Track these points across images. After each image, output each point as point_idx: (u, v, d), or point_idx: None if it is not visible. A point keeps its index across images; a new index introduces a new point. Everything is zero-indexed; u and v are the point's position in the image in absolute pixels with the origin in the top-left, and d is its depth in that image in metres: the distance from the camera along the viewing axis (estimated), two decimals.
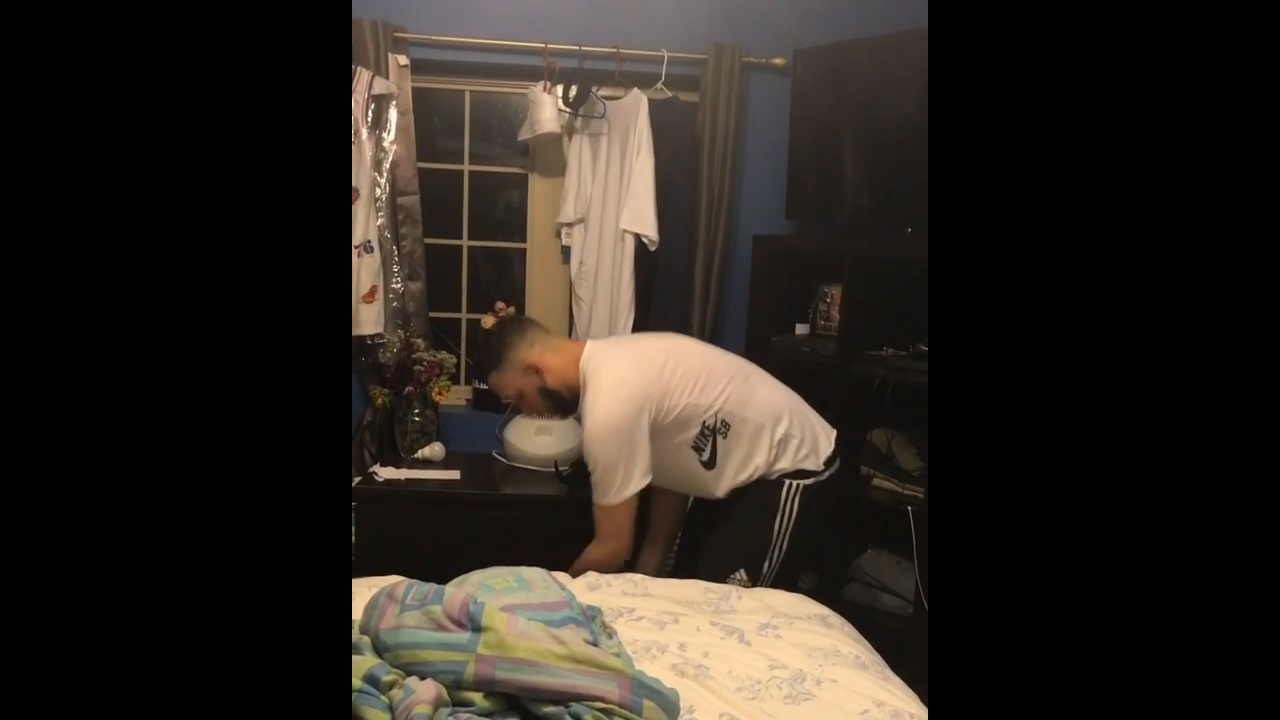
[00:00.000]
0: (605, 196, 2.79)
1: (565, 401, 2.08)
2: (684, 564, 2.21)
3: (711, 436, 2.02)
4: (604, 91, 2.78)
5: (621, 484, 1.95)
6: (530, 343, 2.06)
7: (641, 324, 2.81)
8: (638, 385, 1.94)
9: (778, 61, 2.80)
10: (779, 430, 2.03)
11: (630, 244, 2.75)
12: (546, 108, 2.70)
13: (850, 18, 2.74)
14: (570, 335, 2.94)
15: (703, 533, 2.14)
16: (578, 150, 2.83)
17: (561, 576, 1.78)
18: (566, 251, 2.92)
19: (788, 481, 2.04)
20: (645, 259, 2.78)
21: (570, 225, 2.88)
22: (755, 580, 2.03)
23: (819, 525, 2.16)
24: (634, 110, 2.72)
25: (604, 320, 2.82)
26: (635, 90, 2.74)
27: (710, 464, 2.05)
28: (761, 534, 2.05)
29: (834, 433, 2.16)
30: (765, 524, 2.04)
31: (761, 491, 2.05)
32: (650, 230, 2.72)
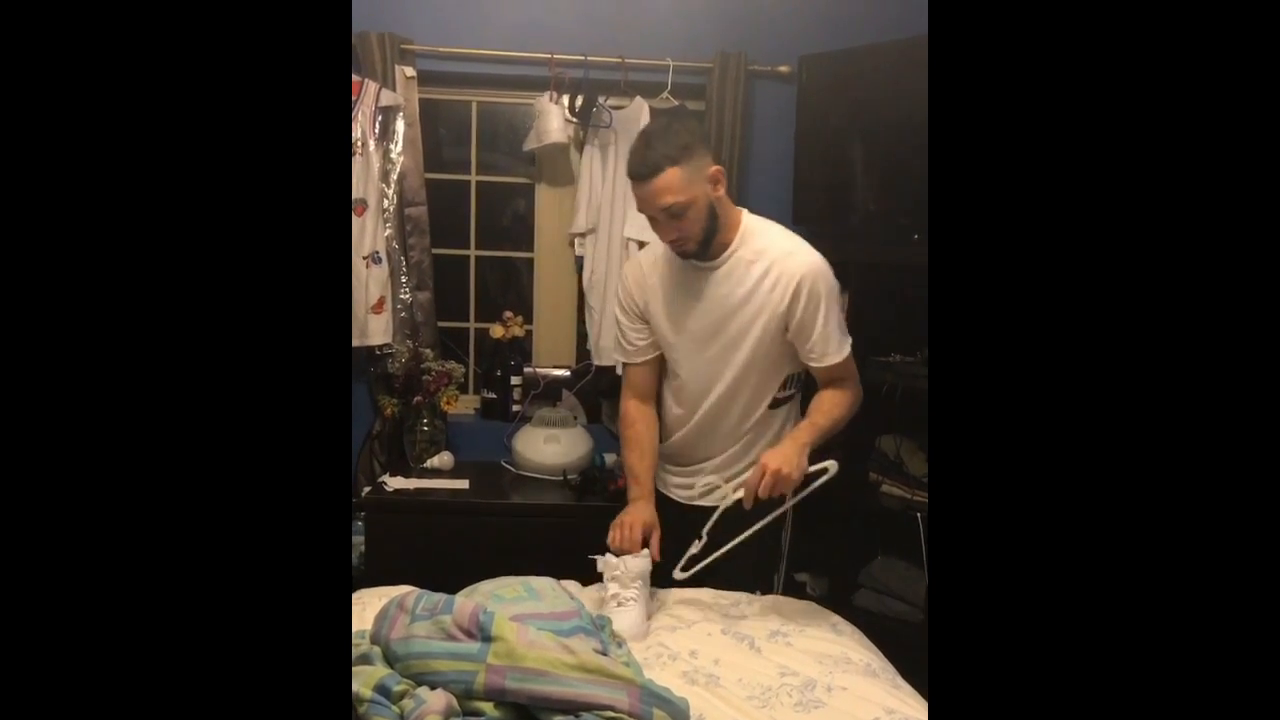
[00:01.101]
0: (613, 206, 2.80)
1: (710, 239, 1.77)
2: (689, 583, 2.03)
3: (791, 390, 1.92)
4: (611, 101, 2.78)
5: (841, 331, 1.82)
6: (710, 150, 1.80)
7: None
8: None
9: (783, 69, 2.81)
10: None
11: (635, 252, 2.75)
12: (553, 118, 2.71)
13: (855, 25, 2.74)
14: (585, 347, 2.93)
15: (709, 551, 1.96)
16: (588, 160, 2.84)
17: (571, 585, 1.78)
18: (580, 261, 2.91)
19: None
20: None
21: (583, 235, 2.88)
22: (769, 590, 1.99)
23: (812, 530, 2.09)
24: (636, 119, 2.73)
25: (613, 330, 2.82)
26: (638, 99, 2.75)
27: (774, 405, 1.91)
28: (772, 549, 1.99)
29: None
30: (775, 542, 1.98)
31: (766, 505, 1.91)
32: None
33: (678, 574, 1.77)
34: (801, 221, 2.80)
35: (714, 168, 1.75)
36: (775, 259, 1.79)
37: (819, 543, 2.69)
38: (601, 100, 2.74)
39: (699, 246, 1.77)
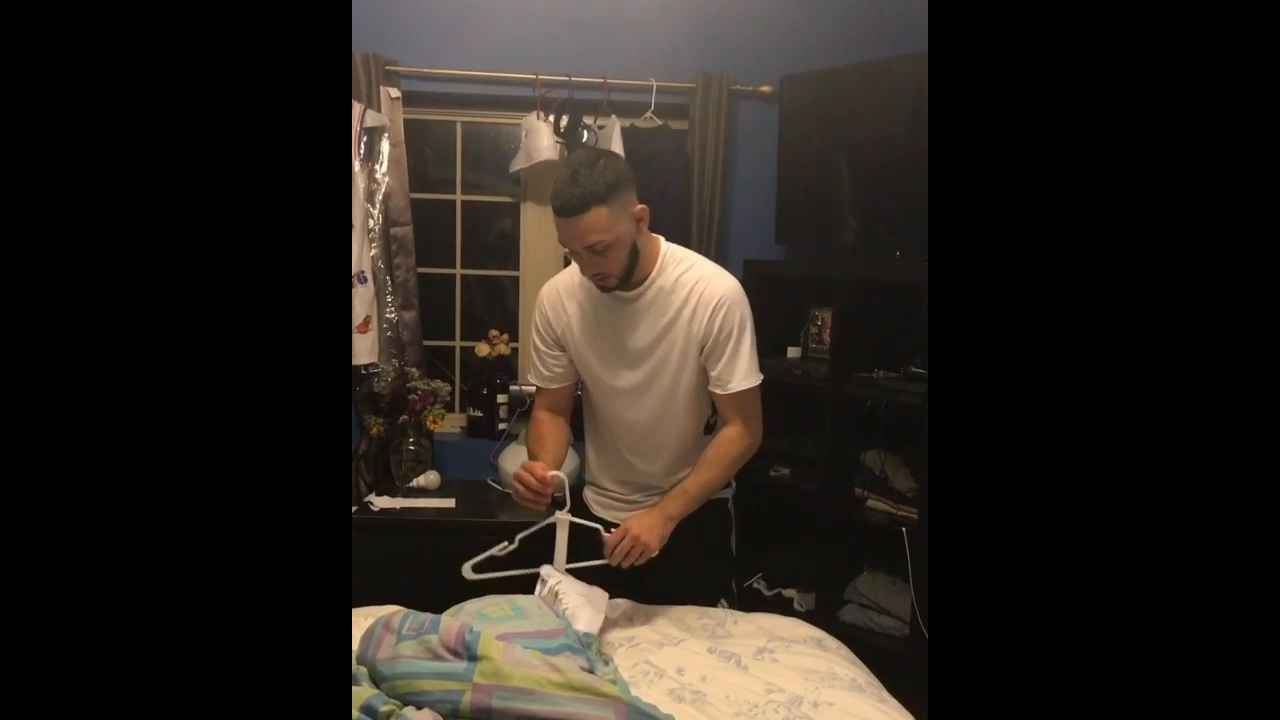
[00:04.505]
0: None
1: (630, 273, 1.75)
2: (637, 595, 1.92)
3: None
4: (598, 121, 2.80)
5: (750, 360, 1.79)
6: (635, 188, 1.73)
7: None
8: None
9: (765, 89, 2.84)
10: None
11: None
12: (543, 136, 2.72)
13: (836, 44, 2.78)
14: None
15: (658, 564, 1.86)
16: None
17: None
18: None
19: (726, 501, 1.99)
20: None
21: None
22: (731, 605, 1.97)
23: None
24: (609, 140, 2.75)
25: None
26: (613, 118, 2.77)
27: (709, 429, 1.90)
28: (725, 557, 2.01)
29: None
30: (724, 545, 2.01)
31: (710, 512, 1.90)
32: None
33: (466, 571, 1.73)
34: (785, 240, 2.83)
35: (639, 206, 1.72)
36: (694, 285, 1.77)
37: (805, 558, 2.71)
38: (590, 120, 2.77)
39: (619, 282, 1.75)
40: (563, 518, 1.76)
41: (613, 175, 1.66)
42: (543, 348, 1.95)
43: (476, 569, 1.73)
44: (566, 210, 1.65)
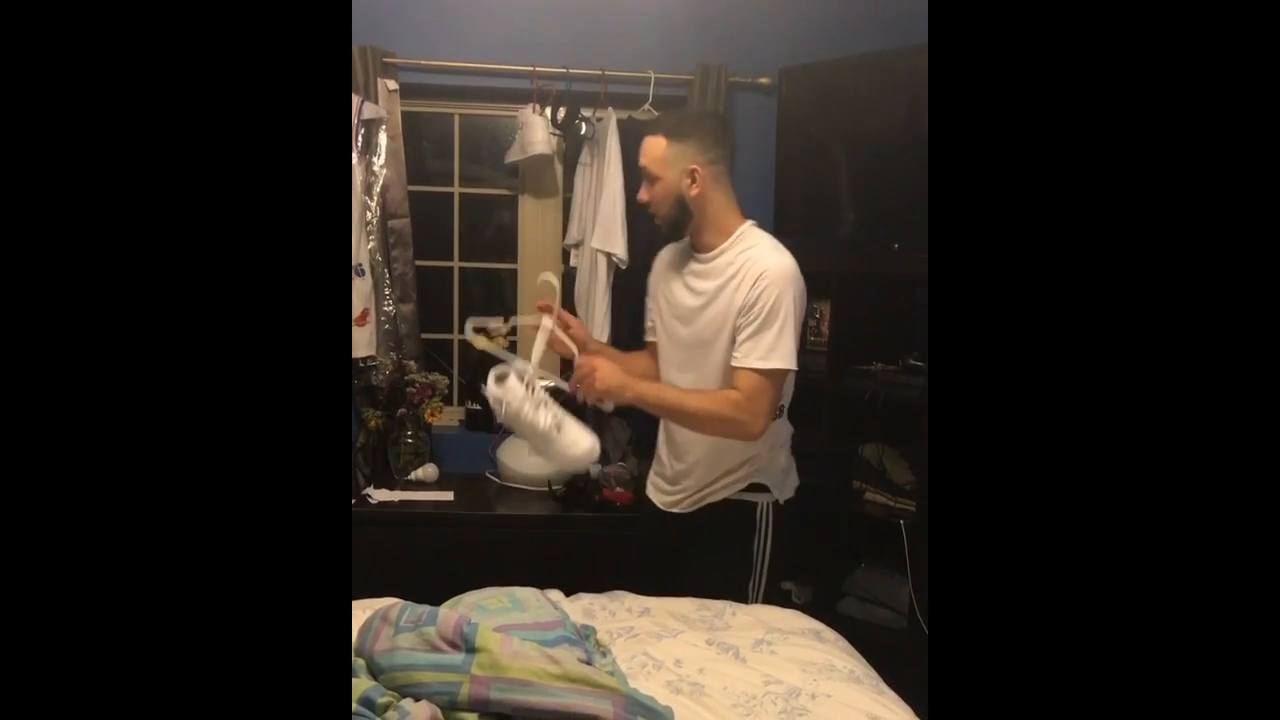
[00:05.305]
0: (594, 218, 2.81)
1: (680, 226, 1.87)
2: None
3: None
4: (596, 114, 2.80)
5: (777, 342, 1.75)
6: (713, 160, 1.82)
7: (629, 344, 2.81)
8: (782, 247, 1.84)
9: (763, 81, 2.84)
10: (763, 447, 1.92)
11: (603, 264, 2.76)
12: (538, 129, 2.72)
13: (834, 36, 2.77)
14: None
15: (673, 563, 1.97)
16: (580, 173, 2.85)
17: (555, 596, 1.78)
18: (575, 273, 2.89)
19: (761, 501, 1.94)
20: (632, 279, 2.79)
21: (576, 247, 2.89)
22: (744, 599, 1.95)
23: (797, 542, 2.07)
24: (605, 131, 2.75)
25: (601, 333, 2.82)
26: (611, 110, 2.76)
27: None
28: (741, 560, 1.96)
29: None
30: (743, 548, 1.96)
31: (732, 513, 1.93)
32: (619, 249, 2.72)
33: (468, 331, 1.86)
34: (783, 232, 2.80)
35: (692, 166, 1.80)
36: (749, 260, 1.81)
37: (803, 551, 2.71)
38: (590, 113, 2.76)
39: (667, 226, 1.88)
40: (546, 323, 1.87)
41: (691, 125, 1.83)
42: (648, 298, 2.07)
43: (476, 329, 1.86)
44: (647, 129, 1.85)
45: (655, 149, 1.81)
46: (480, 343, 1.84)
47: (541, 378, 1.78)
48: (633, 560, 2.17)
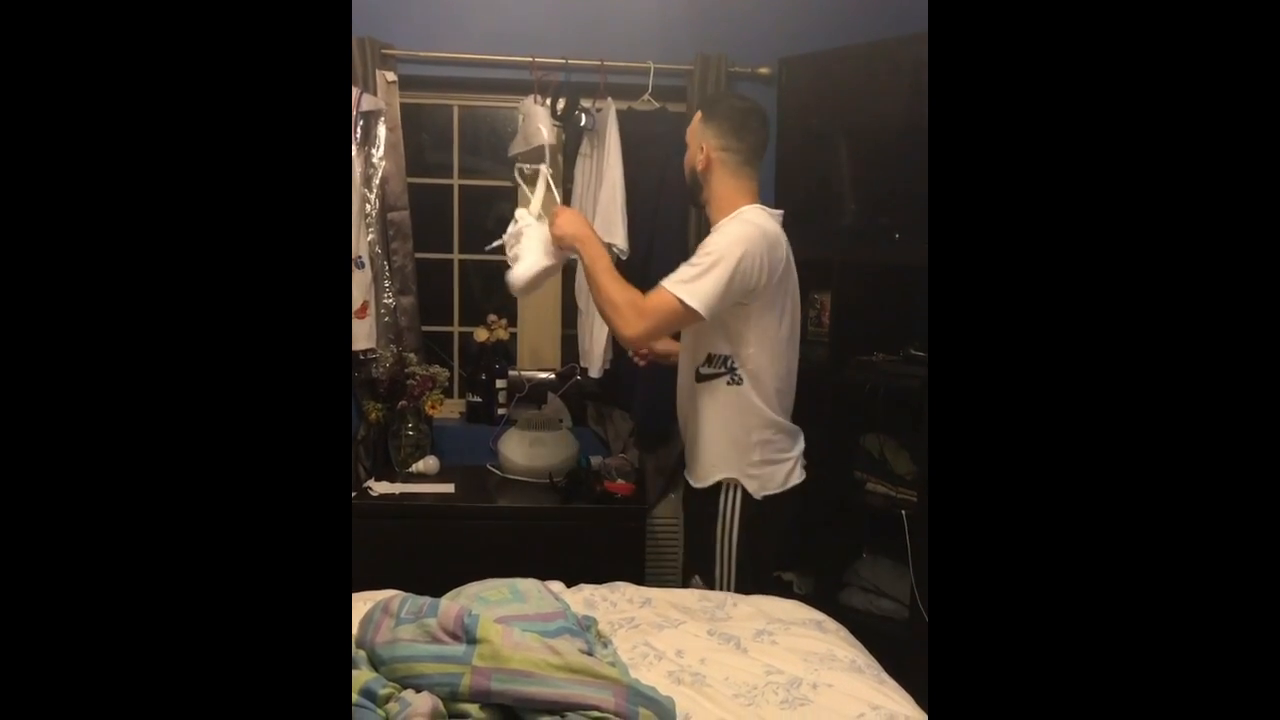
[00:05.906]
0: (594, 209, 2.80)
1: (695, 196, 2.07)
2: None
3: (717, 370, 1.96)
4: (595, 104, 2.79)
5: (698, 281, 1.81)
6: (725, 147, 1.97)
7: None
8: (769, 232, 1.92)
9: (763, 71, 2.82)
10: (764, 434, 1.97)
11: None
12: (540, 120, 2.70)
13: (834, 27, 2.76)
14: (576, 349, 2.93)
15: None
16: (581, 165, 2.84)
17: (556, 587, 1.78)
18: (575, 263, 2.88)
19: (726, 485, 1.98)
20: (635, 267, 2.78)
21: None
22: (711, 586, 2.00)
23: (779, 538, 2.10)
24: (605, 122, 2.74)
25: (601, 329, 2.81)
26: (610, 100, 2.75)
27: (699, 378, 1.99)
28: (705, 543, 2.03)
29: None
30: (707, 531, 2.02)
31: (700, 496, 2.04)
32: (619, 239, 2.71)
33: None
34: (783, 223, 2.81)
35: (709, 145, 1.98)
36: (724, 226, 1.93)
37: (805, 541, 2.71)
38: (590, 104, 2.75)
39: (688, 189, 2.09)
40: (545, 172, 2.22)
41: (726, 109, 2.01)
42: None
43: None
44: (701, 107, 2.06)
45: (695, 123, 2.02)
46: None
47: (539, 218, 2.08)
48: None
